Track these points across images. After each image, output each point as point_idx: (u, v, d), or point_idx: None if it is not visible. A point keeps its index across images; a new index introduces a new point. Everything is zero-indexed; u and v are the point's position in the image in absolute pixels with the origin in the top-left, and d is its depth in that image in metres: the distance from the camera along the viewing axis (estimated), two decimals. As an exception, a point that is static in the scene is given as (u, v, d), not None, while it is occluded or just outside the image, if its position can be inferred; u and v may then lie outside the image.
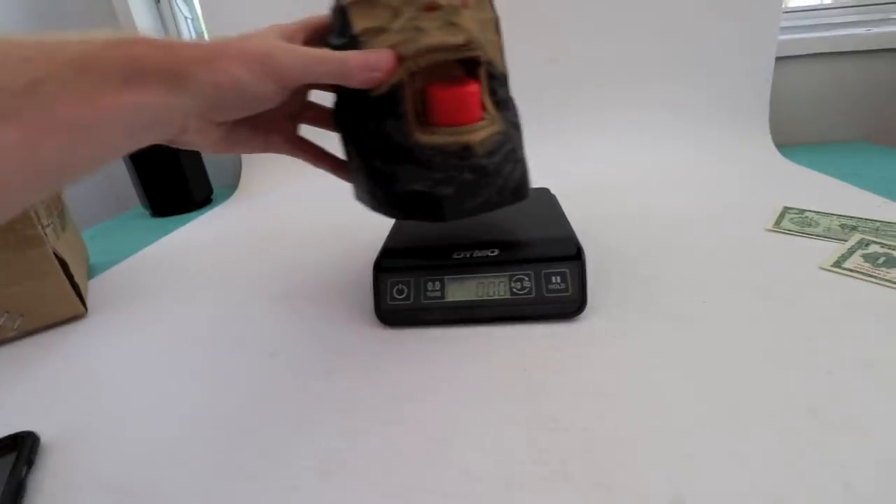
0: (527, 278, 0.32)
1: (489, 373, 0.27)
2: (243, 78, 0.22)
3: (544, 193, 0.44)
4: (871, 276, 0.32)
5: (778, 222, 0.42)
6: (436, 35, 0.25)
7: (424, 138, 0.26)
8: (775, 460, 0.20)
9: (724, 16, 0.65)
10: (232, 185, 0.79)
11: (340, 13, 0.26)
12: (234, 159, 0.81)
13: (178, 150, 0.67)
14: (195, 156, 0.71)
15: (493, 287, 0.32)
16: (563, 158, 0.67)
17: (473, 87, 0.26)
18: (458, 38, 0.25)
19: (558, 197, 0.42)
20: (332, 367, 0.29)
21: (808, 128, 0.70)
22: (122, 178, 0.78)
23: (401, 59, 0.25)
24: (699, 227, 0.44)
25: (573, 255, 0.31)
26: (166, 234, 0.60)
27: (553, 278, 0.31)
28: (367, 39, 0.25)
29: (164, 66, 0.20)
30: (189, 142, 0.24)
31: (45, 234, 0.38)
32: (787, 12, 0.71)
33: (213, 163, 0.78)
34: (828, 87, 0.68)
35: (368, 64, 0.24)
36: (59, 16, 0.79)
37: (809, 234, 0.40)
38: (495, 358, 0.28)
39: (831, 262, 0.35)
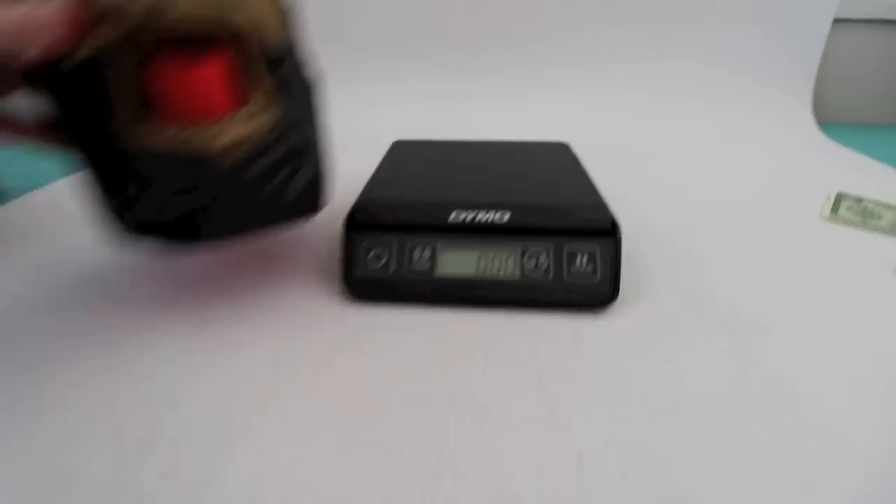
0: (544, 254, 0.24)
1: (490, 378, 0.20)
2: None
3: (563, 150, 0.36)
4: (960, 286, 0.26)
5: (835, 210, 0.36)
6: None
7: (144, 141, 0.18)
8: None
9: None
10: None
11: None
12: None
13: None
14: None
15: (500, 262, 0.24)
16: (583, 113, 0.58)
17: (207, 71, 0.18)
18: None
19: (579, 155, 0.35)
20: (278, 350, 0.22)
21: (852, 106, 0.63)
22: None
23: (98, 19, 0.16)
24: (744, 207, 0.37)
25: (606, 230, 0.24)
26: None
27: (578, 257, 0.24)
28: None
29: None
30: None
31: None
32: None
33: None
34: (883, 60, 0.60)
35: (17, 28, 0.15)
36: None
37: (874, 229, 0.33)
38: (499, 357, 0.21)
39: (909, 265, 0.28)
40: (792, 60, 0.58)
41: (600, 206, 0.25)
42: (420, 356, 0.21)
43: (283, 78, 0.20)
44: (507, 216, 0.25)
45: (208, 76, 0.18)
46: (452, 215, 0.25)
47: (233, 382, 0.20)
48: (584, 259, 0.24)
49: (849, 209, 0.36)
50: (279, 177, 0.21)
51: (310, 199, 0.23)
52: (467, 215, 0.25)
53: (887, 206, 0.36)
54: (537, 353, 0.21)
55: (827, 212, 0.36)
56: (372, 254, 0.25)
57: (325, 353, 0.22)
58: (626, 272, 0.26)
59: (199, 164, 0.18)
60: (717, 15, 0.58)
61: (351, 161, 0.35)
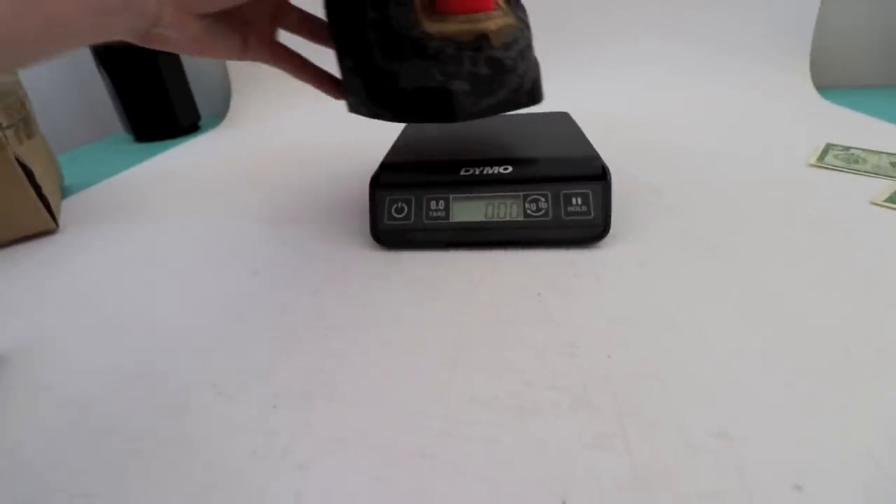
0: (543, 199, 0.28)
1: (498, 297, 0.24)
2: None
3: (564, 117, 0.39)
4: (930, 211, 0.29)
5: (821, 158, 0.38)
6: None
7: (434, 27, 0.24)
8: (832, 399, 0.17)
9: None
10: (220, 114, 0.73)
11: None
12: (223, 83, 0.75)
13: (160, 69, 0.61)
14: (180, 77, 0.65)
15: (505, 208, 0.28)
16: (586, 88, 0.61)
17: None
18: None
19: (579, 124, 0.38)
20: (320, 285, 0.26)
21: (848, 70, 0.64)
22: (103, 104, 0.72)
23: None
24: (734, 160, 0.40)
25: (598, 175, 0.28)
26: (149, 159, 0.56)
27: (573, 199, 0.28)
28: None
29: None
30: (165, 37, 0.21)
31: (6, 136, 0.34)
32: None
33: (201, 88, 0.72)
34: (875, 26, 0.62)
35: None
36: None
37: (857, 171, 0.36)
38: (505, 282, 0.25)
39: (885, 198, 0.31)
40: (788, 26, 0.60)
41: (592, 155, 0.29)
42: (437, 283, 0.25)
43: None
44: (509, 169, 0.28)
45: None
46: (462, 171, 0.29)
47: (285, 305, 0.24)
48: (579, 200, 0.28)
49: (835, 157, 0.38)
50: (520, 68, 0.26)
51: (537, 90, 0.28)
52: (475, 170, 0.29)
53: (872, 152, 0.38)
54: (538, 277, 0.25)
55: (814, 159, 0.38)
56: (394, 207, 0.29)
57: (358, 284, 0.26)
58: (618, 216, 0.29)
59: (479, 41, 0.24)
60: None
61: (375, 134, 0.39)
